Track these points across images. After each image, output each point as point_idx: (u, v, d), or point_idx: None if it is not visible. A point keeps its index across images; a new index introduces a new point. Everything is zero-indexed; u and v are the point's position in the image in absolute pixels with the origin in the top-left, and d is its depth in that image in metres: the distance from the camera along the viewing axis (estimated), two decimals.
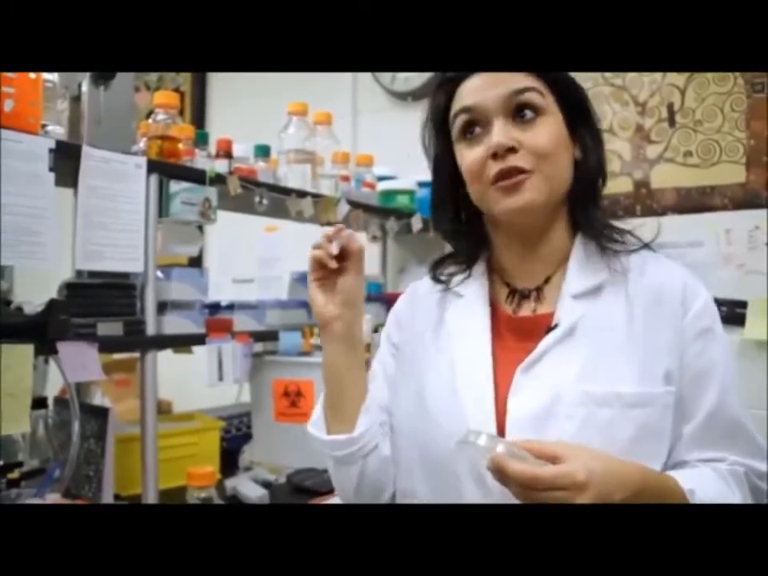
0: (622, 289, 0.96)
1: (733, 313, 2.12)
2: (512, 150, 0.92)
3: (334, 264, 0.98)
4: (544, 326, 0.96)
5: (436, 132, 1.04)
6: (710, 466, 0.92)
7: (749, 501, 0.91)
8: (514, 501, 0.83)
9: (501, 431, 0.91)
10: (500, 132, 0.92)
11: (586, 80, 2.42)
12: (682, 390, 0.92)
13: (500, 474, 0.78)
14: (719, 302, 2.06)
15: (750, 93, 2.16)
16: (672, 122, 2.29)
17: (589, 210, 0.99)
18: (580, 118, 0.98)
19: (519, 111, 0.94)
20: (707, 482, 0.89)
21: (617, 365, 0.91)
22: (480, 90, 0.95)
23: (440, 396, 0.98)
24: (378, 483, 1.04)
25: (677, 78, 2.27)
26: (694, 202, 2.23)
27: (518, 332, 0.98)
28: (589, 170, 0.98)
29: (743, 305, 2.11)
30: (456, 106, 0.98)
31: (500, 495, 0.86)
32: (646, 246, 1.00)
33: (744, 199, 2.15)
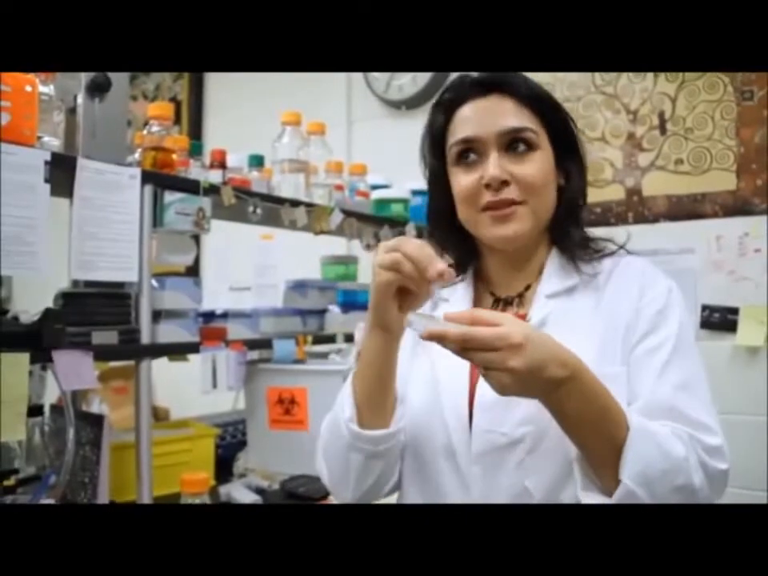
0: (593, 289, 1.02)
1: (724, 319, 2.14)
2: (505, 182, 0.99)
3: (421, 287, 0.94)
4: None
5: (433, 149, 1.09)
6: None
7: (698, 468, 0.88)
8: (492, 498, 0.92)
9: (471, 416, 0.99)
10: (495, 165, 0.99)
11: (578, 88, 2.45)
12: (629, 368, 0.96)
13: (439, 340, 0.80)
14: (711, 309, 2.13)
15: (739, 101, 2.18)
16: (663, 129, 2.31)
17: (567, 230, 1.06)
18: (568, 151, 1.05)
19: (513, 144, 1.00)
20: (647, 422, 0.89)
21: (577, 351, 0.92)
22: (478, 120, 1.01)
23: (423, 396, 1.05)
24: (388, 475, 1.07)
25: (668, 87, 2.30)
26: (686, 209, 2.26)
27: None
28: (572, 196, 1.06)
29: (735, 311, 2.13)
30: (455, 132, 1.03)
31: (480, 484, 0.95)
32: (622, 248, 1.07)
33: (734, 206, 2.17)
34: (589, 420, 0.86)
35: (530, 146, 1.00)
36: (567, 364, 0.83)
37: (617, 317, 0.98)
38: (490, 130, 1.00)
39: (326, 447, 1.07)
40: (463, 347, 0.80)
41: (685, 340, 0.97)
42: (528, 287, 1.06)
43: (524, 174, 0.99)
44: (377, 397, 1.02)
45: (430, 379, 1.05)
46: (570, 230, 1.06)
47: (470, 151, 1.02)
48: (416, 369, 1.08)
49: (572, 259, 1.04)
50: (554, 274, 1.04)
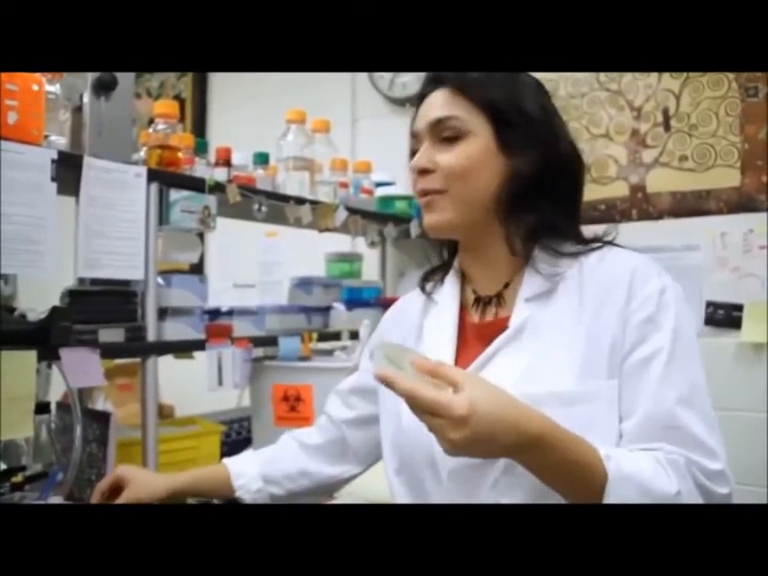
0: (575, 289, 0.97)
1: (729, 316, 2.14)
2: (427, 171, 1.00)
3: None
4: (501, 329, 0.99)
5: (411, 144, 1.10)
6: (647, 452, 0.88)
7: (695, 495, 0.86)
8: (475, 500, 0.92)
9: None
10: (421, 154, 1.02)
11: (582, 85, 2.45)
12: (621, 381, 0.92)
13: (388, 386, 0.79)
14: (715, 305, 2.13)
15: (743, 97, 2.18)
16: (667, 126, 2.31)
17: (515, 213, 1.00)
18: (516, 133, 0.99)
19: (442, 134, 1.00)
20: (633, 459, 0.85)
21: (558, 364, 0.92)
22: (420, 115, 1.04)
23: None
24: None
25: (672, 83, 2.30)
26: (690, 205, 2.26)
27: (481, 338, 1.01)
28: (521, 179, 0.99)
29: (739, 308, 2.13)
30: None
31: (458, 500, 0.95)
32: (610, 243, 1.02)
33: (739, 203, 2.17)
34: (560, 476, 0.83)
35: (458, 135, 0.99)
36: (526, 431, 0.79)
37: (601, 325, 0.93)
38: (422, 123, 1.02)
39: None
40: (408, 403, 0.78)
41: (682, 347, 0.92)
42: (507, 285, 1.03)
43: (445, 161, 0.99)
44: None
45: None
46: (517, 213, 1.00)
47: (418, 143, 1.04)
48: None
49: (553, 255, 0.99)
50: (534, 273, 0.99)
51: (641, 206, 2.34)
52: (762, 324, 2.08)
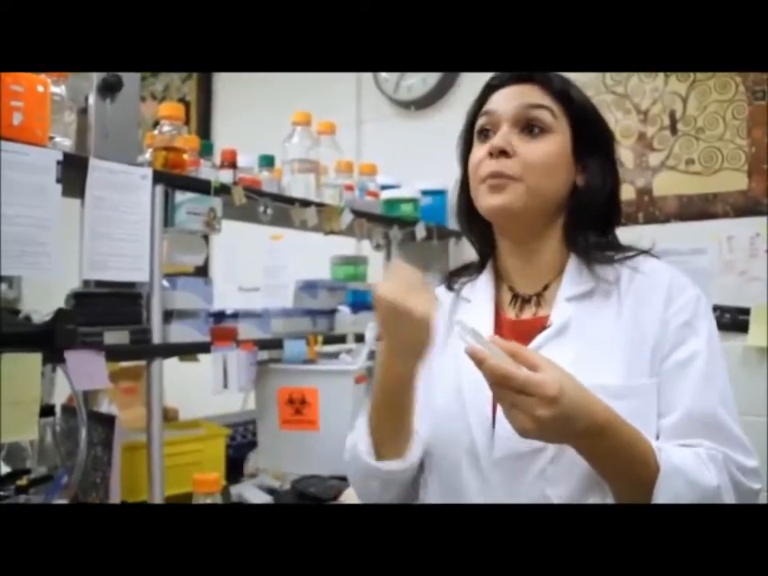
0: (613, 293, 1.01)
1: (735, 320, 2.13)
2: (506, 154, 1.00)
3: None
4: (540, 327, 1.01)
5: (466, 131, 1.12)
6: (687, 448, 0.92)
7: (729, 489, 0.90)
8: (512, 496, 0.93)
9: (495, 421, 0.98)
10: (501, 136, 1.01)
11: (588, 88, 2.43)
12: (660, 382, 0.96)
13: (478, 366, 0.81)
14: (722, 309, 2.11)
15: (751, 100, 2.17)
16: (674, 129, 2.30)
17: (580, 231, 1.04)
18: (590, 148, 1.05)
19: (528, 125, 1.02)
20: (679, 452, 0.90)
21: (604, 359, 0.96)
22: (503, 98, 1.04)
23: (446, 398, 1.04)
24: (407, 493, 1.08)
25: (678, 86, 2.29)
26: (696, 209, 2.24)
27: (518, 334, 1.02)
28: (588, 198, 1.04)
29: (746, 311, 2.12)
30: (482, 109, 1.07)
31: (500, 490, 0.95)
32: (642, 252, 1.05)
33: (745, 206, 2.16)
34: (616, 464, 0.87)
35: (545, 129, 1.01)
36: (597, 418, 0.83)
37: (642, 327, 0.98)
38: (508, 105, 1.03)
39: (348, 467, 1.09)
40: (497, 381, 0.81)
41: (716, 351, 0.98)
42: (546, 287, 1.06)
43: (528, 151, 1.00)
44: (394, 424, 1.02)
45: (455, 381, 1.04)
46: (583, 232, 1.04)
47: (489, 127, 1.04)
48: (440, 369, 1.07)
49: (588, 261, 1.03)
50: (573, 276, 1.03)
51: (647, 209, 2.33)
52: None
